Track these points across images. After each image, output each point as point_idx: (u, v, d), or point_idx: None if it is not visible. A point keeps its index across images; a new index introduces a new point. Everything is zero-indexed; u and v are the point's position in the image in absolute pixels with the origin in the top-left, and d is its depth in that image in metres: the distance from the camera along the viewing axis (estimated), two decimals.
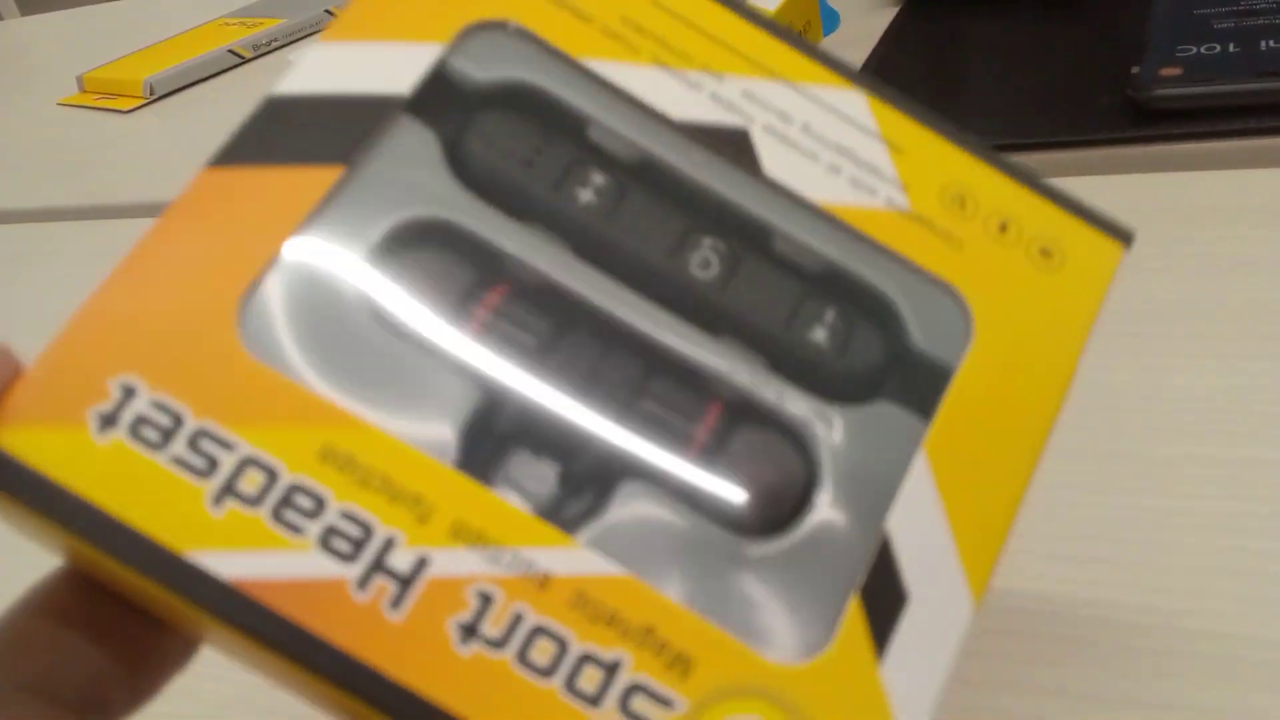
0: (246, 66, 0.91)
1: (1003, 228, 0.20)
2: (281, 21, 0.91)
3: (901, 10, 0.64)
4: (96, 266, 0.63)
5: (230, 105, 0.83)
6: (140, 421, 0.15)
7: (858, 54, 0.61)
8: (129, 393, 0.16)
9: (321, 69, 0.18)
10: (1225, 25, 0.50)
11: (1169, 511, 0.30)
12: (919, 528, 0.17)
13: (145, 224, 0.67)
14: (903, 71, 0.59)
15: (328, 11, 0.91)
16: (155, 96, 0.85)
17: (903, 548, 0.17)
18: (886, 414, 0.18)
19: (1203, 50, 0.50)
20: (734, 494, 0.18)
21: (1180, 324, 0.37)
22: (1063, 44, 0.58)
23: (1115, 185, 0.46)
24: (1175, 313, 0.38)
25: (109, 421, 0.15)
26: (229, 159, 0.17)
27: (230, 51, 0.88)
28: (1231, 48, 0.50)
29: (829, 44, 0.64)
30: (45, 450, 0.15)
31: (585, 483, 0.17)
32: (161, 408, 0.16)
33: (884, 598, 0.17)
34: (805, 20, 0.58)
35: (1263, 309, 0.37)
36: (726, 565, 0.17)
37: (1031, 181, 0.20)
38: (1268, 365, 0.34)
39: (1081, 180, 0.47)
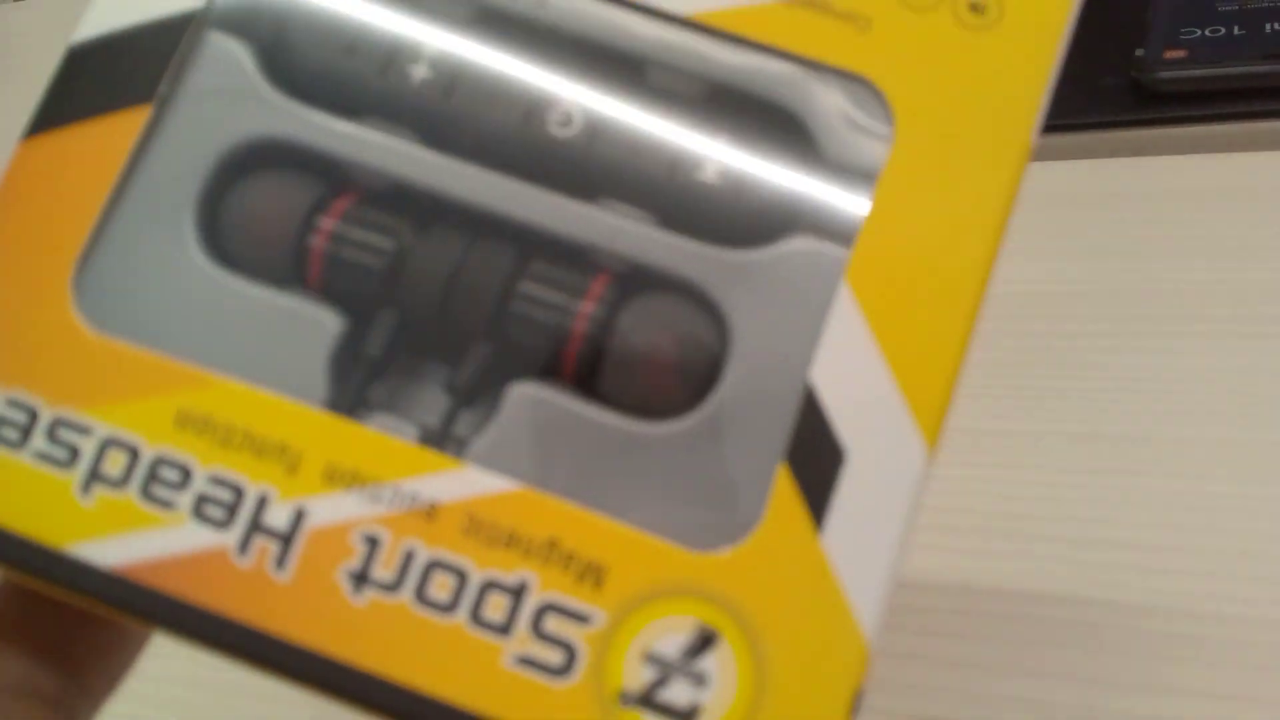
0: None
1: None
2: None
3: None
4: None
5: None
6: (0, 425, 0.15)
7: None
8: None
9: (114, 4, 0.17)
10: (1230, 8, 0.50)
11: (1179, 493, 0.30)
12: (850, 374, 0.15)
13: None
14: None
15: None
16: None
17: (832, 399, 0.15)
18: (800, 250, 0.16)
19: (1208, 33, 0.50)
20: (631, 372, 0.16)
21: (1188, 307, 0.37)
22: None
23: (1120, 168, 0.46)
24: (1183, 296, 0.37)
25: None
26: (41, 125, 0.16)
27: None
28: (1237, 30, 0.49)
29: None
30: None
31: (469, 393, 0.16)
32: (14, 404, 0.15)
33: (816, 459, 0.14)
34: None
35: (1271, 291, 0.36)
36: (632, 455, 0.15)
37: None
38: (1276, 346, 0.34)
39: (1086, 164, 0.47)
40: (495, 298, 0.16)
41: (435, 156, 0.17)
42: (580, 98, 0.17)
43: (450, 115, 0.17)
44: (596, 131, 0.16)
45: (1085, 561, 0.28)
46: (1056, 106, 0.51)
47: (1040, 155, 0.47)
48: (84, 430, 0.15)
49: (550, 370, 0.16)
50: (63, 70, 0.16)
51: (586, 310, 0.16)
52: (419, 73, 0.17)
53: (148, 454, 0.15)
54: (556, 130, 0.16)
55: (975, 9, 0.16)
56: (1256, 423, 0.31)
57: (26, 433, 0.15)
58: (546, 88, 0.17)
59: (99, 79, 0.16)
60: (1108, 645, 0.26)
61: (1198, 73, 0.48)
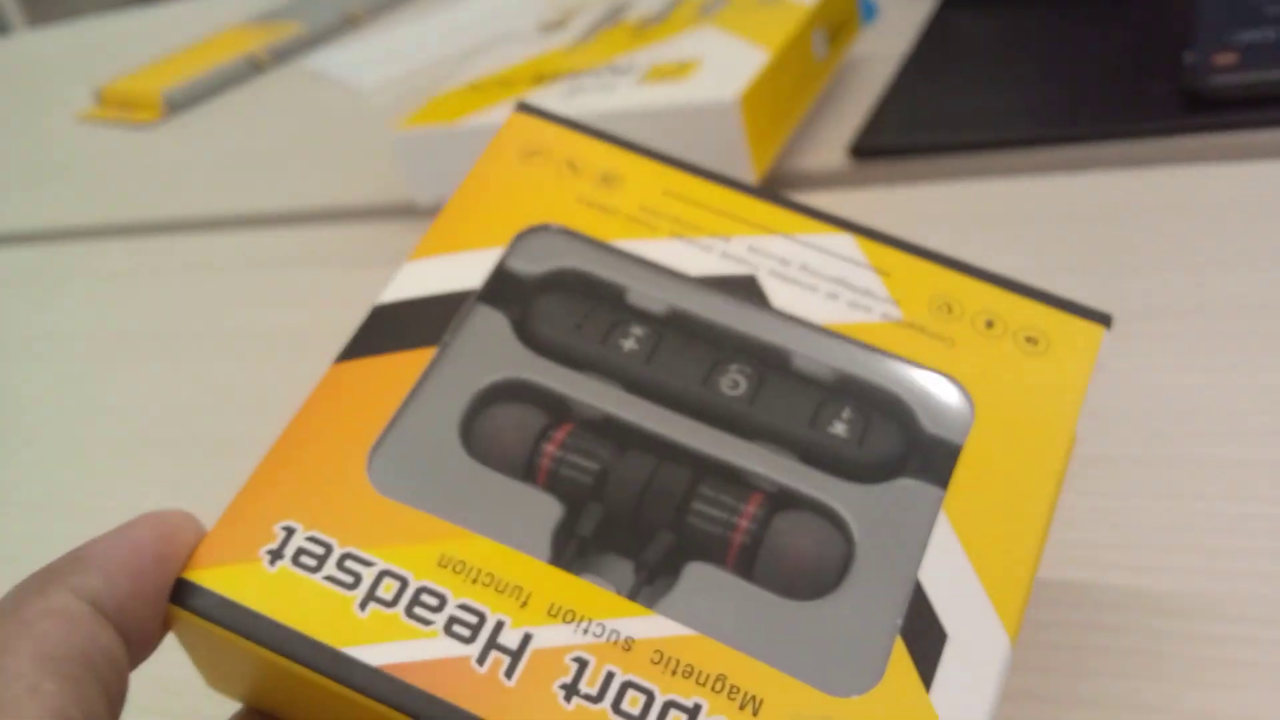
0: (267, 75, 0.88)
1: (989, 324, 0.23)
2: (300, 25, 0.89)
3: (943, 1, 0.62)
4: (120, 286, 0.62)
5: (251, 116, 0.81)
6: (300, 552, 0.19)
7: (897, 45, 0.60)
8: (290, 532, 0.20)
9: (411, 280, 0.23)
10: (1276, 10, 0.48)
11: (1247, 515, 0.29)
12: (948, 577, 0.19)
13: (168, 240, 0.65)
14: (945, 64, 0.58)
15: (346, 19, 0.88)
16: (175, 108, 0.83)
17: (936, 594, 0.19)
18: (908, 487, 0.21)
19: (1258, 36, 0.49)
20: (780, 566, 0.20)
21: (1241, 320, 0.36)
22: (1109, 33, 0.56)
23: (1171, 177, 0.45)
24: (1237, 309, 0.37)
25: (276, 555, 0.19)
26: (348, 355, 0.22)
27: (249, 59, 0.86)
28: None
29: (867, 34, 0.62)
30: (232, 582, 0.19)
31: (656, 567, 0.21)
32: (315, 540, 0.20)
33: (925, 636, 0.19)
34: (843, 16, 0.56)
35: None
36: (782, 621, 0.20)
37: (1008, 283, 0.23)
38: None
39: (1136, 173, 0.46)
40: (676, 504, 0.21)
41: (636, 400, 0.22)
42: (745, 370, 0.23)
43: (649, 374, 0.23)
44: (757, 393, 0.22)
45: (1144, 588, 0.27)
46: (1104, 114, 0.51)
47: (1087, 164, 0.46)
48: (366, 563, 0.19)
49: (717, 557, 0.21)
50: (368, 321, 0.23)
51: (744, 520, 0.21)
52: (628, 345, 0.23)
53: (414, 584, 0.19)
54: (727, 390, 0.22)
55: (1030, 341, 0.22)
56: None
57: (322, 561, 0.19)
58: (721, 360, 0.23)
59: (396, 328, 0.22)
60: (1167, 673, 0.26)
61: (1251, 78, 0.47)
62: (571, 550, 0.21)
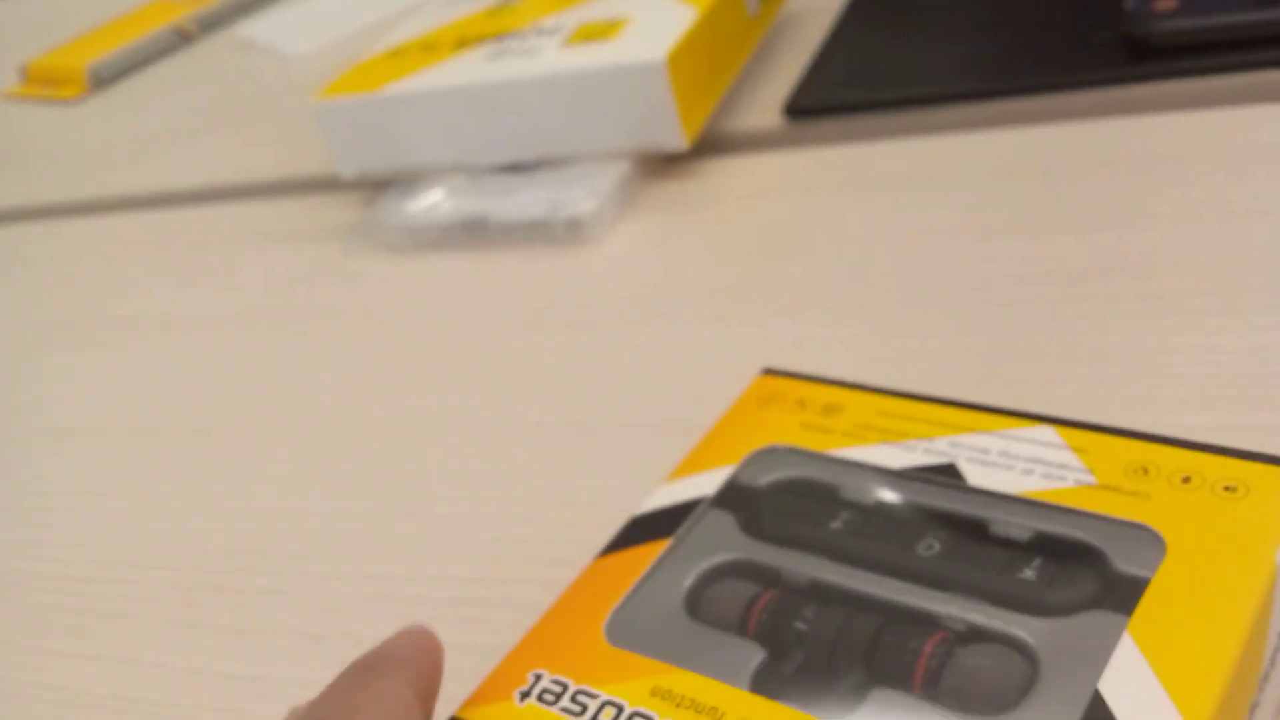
0: (195, 46, 0.85)
1: (1186, 480, 0.23)
2: None
3: None
4: (40, 270, 0.59)
5: (177, 89, 0.77)
6: (543, 691, 0.23)
7: (826, 6, 0.57)
8: (538, 677, 0.24)
9: (659, 496, 0.27)
10: None
11: None
12: (1130, 686, 0.20)
13: (89, 220, 0.63)
14: (881, 19, 0.55)
15: None
16: (100, 83, 0.79)
17: (1116, 701, 0.20)
18: (1095, 618, 0.22)
19: None
20: (962, 688, 0.22)
21: (1187, 276, 0.34)
22: None
23: (1113, 129, 0.43)
24: (1183, 264, 0.35)
25: (525, 695, 0.23)
26: (605, 553, 0.26)
27: (175, 30, 0.82)
28: None
29: None
30: (491, 717, 0.23)
31: (846, 696, 0.22)
32: (556, 681, 0.23)
33: None
34: None
35: (1275, 257, 0.34)
36: None
37: (1208, 447, 0.24)
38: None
39: (1078, 126, 0.44)
40: (866, 645, 0.23)
41: (839, 565, 0.25)
42: (941, 535, 0.25)
43: (852, 546, 0.25)
44: (950, 553, 0.24)
45: None
46: (1046, 66, 0.49)
47: (1029, 118, 0.44)
48: (593, 696, 0.23)
49: (903, 684, 0.22)
50: (624, 529, 0.27)
51: (930, 646, 0.22)
52: (836, 525, 0.25)
53: (628, 710, 0.22)
54: (923, 551, 0.24)
55: (1229, 490, 0.23)
56: (1259, 404, 0.29)
57: (559, 697, 0.23)
58: (920, 531, 0.25)
59: (643, 530, 0.26)
60: None
61: (1191, 23, 0.45)
62: (770, 686, 0.23)
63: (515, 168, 0.50)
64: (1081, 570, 0.23)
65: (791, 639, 0.23)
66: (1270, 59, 0.43)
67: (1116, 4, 0.46)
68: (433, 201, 0.50)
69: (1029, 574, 0.23)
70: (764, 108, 0.51)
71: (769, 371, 0.30)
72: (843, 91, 0.49)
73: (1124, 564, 0.22)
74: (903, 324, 0.36)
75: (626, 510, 0.27)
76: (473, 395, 0.40)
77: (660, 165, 0.49)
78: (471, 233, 0.48)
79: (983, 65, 0.48)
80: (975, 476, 0.25)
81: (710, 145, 0.50)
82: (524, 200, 0.47)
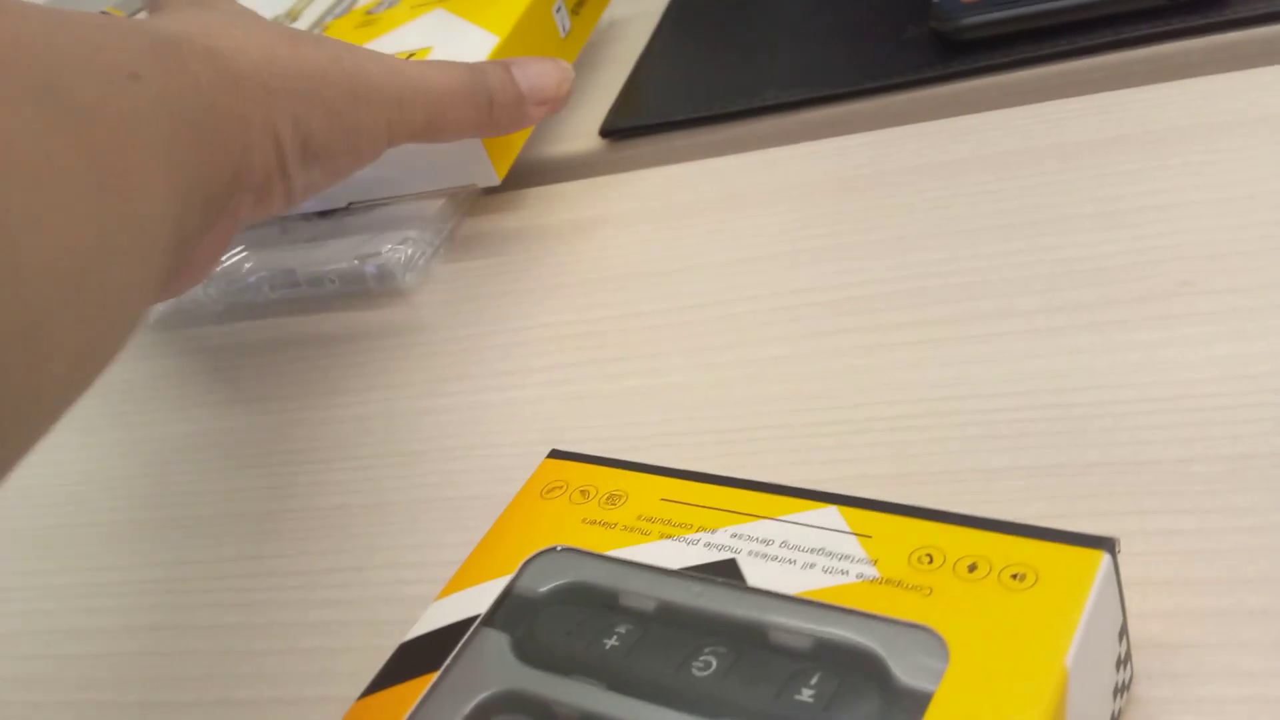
0: None
1: (971, 568, 0.21)
2: None
3: None
4: None
5: None
6: None
7: (654, 10, 0.54)
8: None
9: (431, 616, 0.24)
10: None
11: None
12: None
13: None
14: (693, 33, 0.52)
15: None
16: None
17: None
18: None
19: None
20: None
21: (999, 302, 0.32)
22: None
23: (925, 134, 0.41)
24: (993, 284, 0.33)
25: None
26: (370, 690, 0.23)
27: None
28: None
29: (620, 3, 0.56)
30: None
31: None
32: None
33: None
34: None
35: (1087, 269, 0.32)
36: None
37: (995, 524, 0.21)
38: (1097, 339, 0.30)
39: (892, 132, 0.41)
40: None
41: (612, 696, 0.22)
42: (719, 651, 0.22)
43: (627, 667, 0.22)
44: (727, 672, 0.22)
45: None
46: (859, 68, 0.46)
47: (847, 125, 0.41)
48: None
49: None
50: (391, 659, 0.24)
51: None
52: (610, 643, 0.23)
53: None
54: (698, 672, 0.22)
55: (1017, 578, 0.20)
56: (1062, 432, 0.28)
57: None
58: (699, 645, 0.22)
59: (410, 661, 0.24)
60: None
61: (996, 15, 0.43)
62: None
63: (325, 214, 0.46)
64: (864, 685, 0.20)
65: None
66: (1077, 48, 0.41)
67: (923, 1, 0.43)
68: (239, 254, 0.46)
69: (807, 695, 0.20)
70: (581, 131, 0.47)
71: (555, 454, 0.27)
72: (656, 110, 0.46)
73: (906, 675, 0.20)
74: (718, 366, 0.34)
75: (413, 609, 0.24)
76: (266, 478, 0.36)
77: (478, 201, 0.46)
78: (282, 287, 0.44)
79: (798, 72, 0.45)
80: (755, 573, 0.22)
81: (529, 173, 0.47)
82: (333, 251, 0.44)
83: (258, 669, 0.30)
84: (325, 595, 0.31)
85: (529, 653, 0.23)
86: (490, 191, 0.46)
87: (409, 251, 0.42)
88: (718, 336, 0.35)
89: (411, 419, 0.36)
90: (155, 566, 0.35)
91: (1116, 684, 0.21)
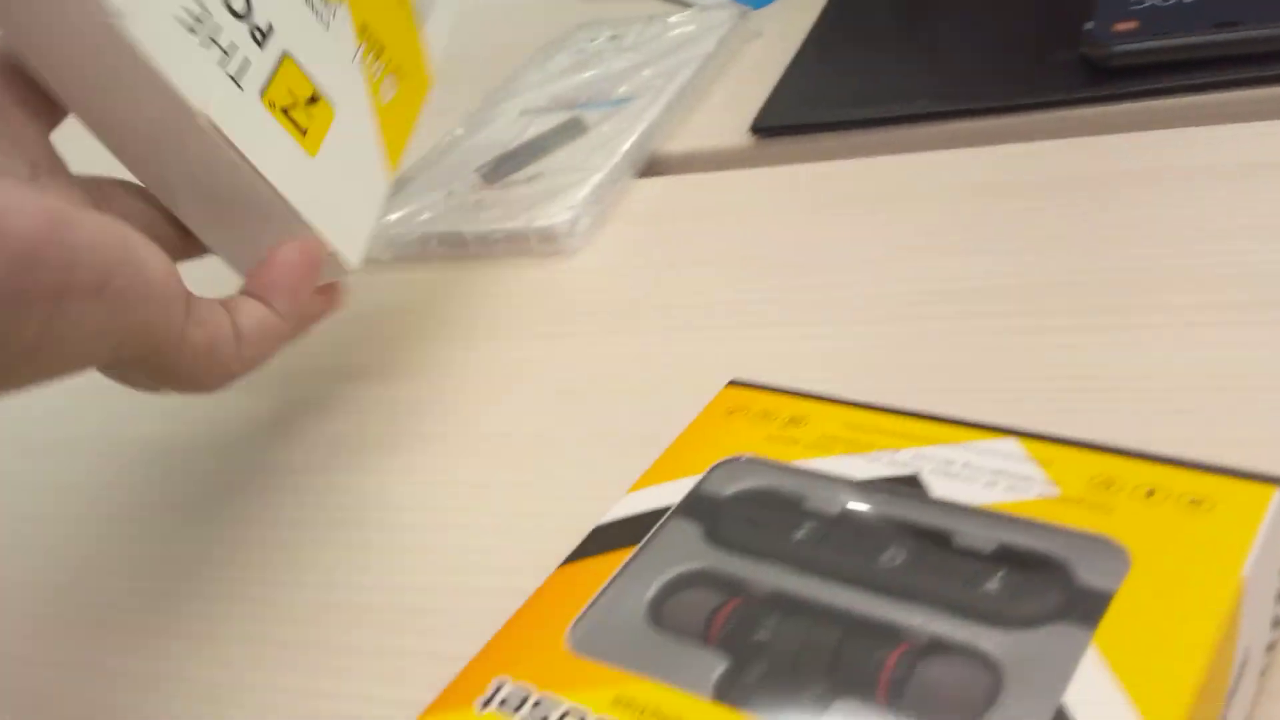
0: None
1: (1150, 493, 0.22)
2: None
3: None
4: None
5: None
6: (504, 700, 0.22)
7: (801, 23, 0.56)
8: (499, 685, 0.23)
9: (624, 506, 0.26)
10: None
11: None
12: (1094, 698, 0.19)
13: None
14: (846, 41, 0.55)
15: None
16: None
17: (1078, 713, 0.19)
18: (1060, 631, 0.21)
19: (1158, 2, 0.46)
20: (926, 699, 0.21)
21: (1149, 294, 0.34)
22: (1014, 3, 0.53)
23: (1073, 148, 0.42)
24: (1143, 282, 0.34)
25: (486, 703, 0.22)
26: (568, 561, 0.25)
27: None
28: None
29: (771, 14, 0.59)
30: None
31: (809, 704, 0.22)
32: (518, 690, 0.22)
33: None
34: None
35: (1233, 273, 0.33)
36: None
37: (1173, 460, 0.23)
38: (1242, 334, 0.31)
39: (1038, 146, 0.43)
40: (829, 657, 0.22)
41: (801, 576, 0.24)
42: (905, 547, 0.24)
43: (815, 556, 0.24)
44: (914, 565, 0.23)
45: None
46: (1007, 86, 0.48)
47: (991, 138, 0.43)
48: (556, 704, 0.22)
49: (866, 695, 0.21)
50: (586, 538, 0.26)
51: (893, 659, 0.22)
52: (800, 535, 0.24)
53: (590, 718, 0.22)
54: (887, 563, 0.23)
55: (1194, 504, 0.22)
56: (1224, 421, 0.29)
57: (520, 704, 0.22)
58: (883, 542, 0.24)
59: (607, 538, 0.25)
60: None
61: (1150, 45, 0.44)
62: (732, 695, 0.22)
63: (493, 181, 0.49)
64: (1045, 583, 0.22)
65: (754, 649, 0.22)
66: (1228, 80, 0.42)
67: (1076, 25, 0.45)
68: (408, 213, 0.49)
69: (993, 586, 0.22)
70: (733, 127, 0.50)
71: (735, 383, 0.29)
72: (807, 111, 0.49)
73: (1088, 577, 0.21)
74: (868, 338, 0.35)
75: (591, 521, 0.26)
76: (436, 406, 0.39)
77: (633, 183, 0.48)
78: (449, 246, 0.47)
79: (945, 86, 0.47)
80: (939, 488, 0.24)
81: (681, 163, 0.49)
82: (499, 214, 0.46)
83: (485, 558, 0.32)
84: (490, 507, 0.34)
85: (719, 540, 0.25)
86: (644, 174, 0.49)
87: (571, 216, 0.44)
88: (870, 311, 0.36)
89: (573, 365, 0.39)
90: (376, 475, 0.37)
91: (1275, 616, 0.22)
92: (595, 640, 0.23)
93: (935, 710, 0.20)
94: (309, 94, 0.33)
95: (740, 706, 0.21)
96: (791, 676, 0.22)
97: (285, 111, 0.32)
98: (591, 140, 0.50)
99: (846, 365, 0.35)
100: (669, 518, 0.25)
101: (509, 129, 0.53)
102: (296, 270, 0.32)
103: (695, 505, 0.26)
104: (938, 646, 0.21)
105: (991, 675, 0.21)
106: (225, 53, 0.30)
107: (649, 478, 0.27)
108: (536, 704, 0.22)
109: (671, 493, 0.26)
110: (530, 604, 0.24)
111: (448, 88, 0.60)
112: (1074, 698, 0.19)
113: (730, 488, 0.26)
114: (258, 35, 0.31)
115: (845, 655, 0.22)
